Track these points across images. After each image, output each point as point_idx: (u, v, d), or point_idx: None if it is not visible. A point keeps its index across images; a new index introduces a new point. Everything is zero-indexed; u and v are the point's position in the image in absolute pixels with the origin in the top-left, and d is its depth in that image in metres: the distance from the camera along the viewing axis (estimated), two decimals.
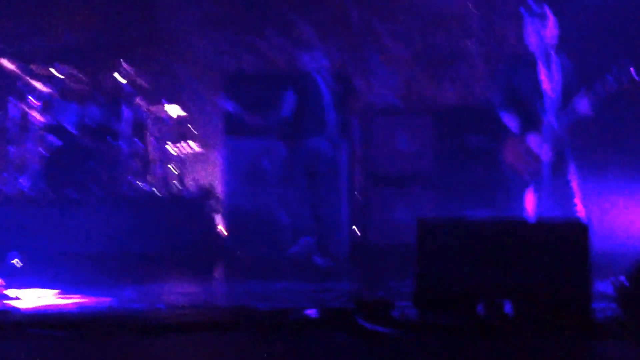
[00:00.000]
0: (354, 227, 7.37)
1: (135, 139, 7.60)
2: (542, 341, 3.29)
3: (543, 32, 5.01)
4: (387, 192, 7.22)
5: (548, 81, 5.06)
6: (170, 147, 7.83)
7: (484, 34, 9.17)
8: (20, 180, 7.33)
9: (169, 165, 7.79)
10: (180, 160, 7.79)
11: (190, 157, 7.91)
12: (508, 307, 3.53)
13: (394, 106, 9.30)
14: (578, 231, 3.72)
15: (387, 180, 7.23)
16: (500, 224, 3.91)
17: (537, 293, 3.57)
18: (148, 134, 7.73)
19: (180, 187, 7.65)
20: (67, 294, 4.54)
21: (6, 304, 4.19)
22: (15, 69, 7.55)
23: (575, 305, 3.54)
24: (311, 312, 3.78)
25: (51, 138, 7.46)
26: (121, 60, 7.71)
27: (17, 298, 4.36)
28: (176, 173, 7.74)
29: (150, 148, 7.76)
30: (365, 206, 7.26)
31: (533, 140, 5.02)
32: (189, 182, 7.83)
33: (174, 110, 7.89)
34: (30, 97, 7.45)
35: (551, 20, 5.03)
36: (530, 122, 5.02)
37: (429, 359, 3.05)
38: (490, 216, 6.46)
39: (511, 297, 3.54)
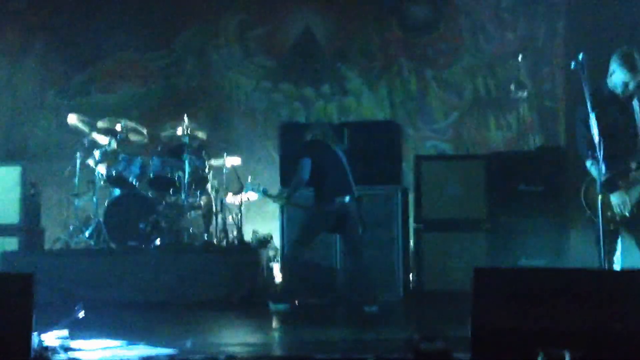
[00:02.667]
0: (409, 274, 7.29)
1: (196, 190, 7.70)
2: None
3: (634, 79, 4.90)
4: (439, 237, 7.11)
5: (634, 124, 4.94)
6: (229, 198, 7.90)
7: (531, 80, 9.11)
8: (85, 232, 7.47)
9: (228, 215, 7.85)
10: (239, 210, 7.83)
11: (249, 207, 7.95)
12: (567, 357, 3.42)
13: (445, 151, 9.28)
14: (635, 281, 3.60)
15: (438, 225, 7.12)
16: (559, 273, 3.80)
17: (596, 343, 3.45)
18: (208, 185, 7.81)
19: (239, 236, 7.68)
20: (129, 345, 4.56)
21: (70, 354, 4.22)
22: (80, 125, 7.77)
23: (626, 356, 3.41)
24: None
25: (114, 190, 7.61)
26: (183, 114, 7.84)
27: (81, 349, 4.39)
28: (235, 223, 7.78)
29: (210, 199, 7.84)
30: (418, 252, 7.15)
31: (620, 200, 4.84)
32: (247, 232, 7.87)
33: (232, 161, 7.96)
34: (95, 151, 7.64)
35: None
36: (618, 167, 4.81)
37: None
38: (548, 266, 6.33)
39: (570, 347, 3.42)
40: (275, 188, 7.14)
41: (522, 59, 8.59)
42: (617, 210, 4.87)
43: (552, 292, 3.58)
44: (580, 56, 4.53)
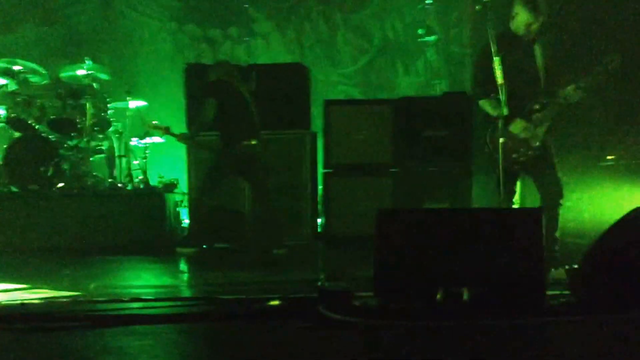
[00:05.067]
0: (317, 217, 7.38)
1: (99, 134, 7.52)
2: (497, 327, 3.33)
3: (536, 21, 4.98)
4: (347, 182, 7.18)
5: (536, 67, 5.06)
6: (134, 141, 7.76)
7: (439, 25, 9.23)
8: None
9: (133, 160, 7.71)
10: (144, 154, 7.70)
11: (154, 151, 7.83)
12: (465, 295, 3.56)
13: (353, 96, 9.34)
14: (532, 219, 3.75)
15: (346, 169, 7.19)
16: (458, 213, 3.93)
17: (493, 281, 3.61)
18: (111, 128, 7.64)
19: (144, 180, 7.57)
20: (33, 289, 4.47)
21: None
22: None
23: (530, 291, 3.60)
24: (274, 302, 3.78)
25: (14, 133, 7.34)
26: (84, 55, 7.59)
27: None
28: (140, 167, 7.66)
29: (114, 142, 7.68)
30: (326, 196, 7.22)
31: (521, 129, 4.93)
32: (153, 176, 7.75)
33: (137, 104, 7.80)
34: None
35: None
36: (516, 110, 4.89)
37: (389, 347, 3.07)
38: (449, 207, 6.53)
39: (469, 284, 3.57)
40: (182, 131, 7.03)
41: (430, 3, 8.65)
42: (524, 134, 4.94)
43: (452, 232, 3.71)
44: None
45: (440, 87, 8.91)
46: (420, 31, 8.50)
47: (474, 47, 8.87)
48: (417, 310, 3.58)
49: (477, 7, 4.69)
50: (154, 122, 6.72)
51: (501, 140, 4.69)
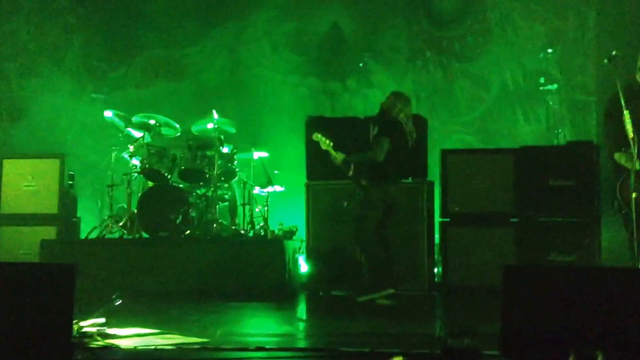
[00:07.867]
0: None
1: (224, 183, 7.70)
2: None
3: None
4: (465, 231, 6.96)
5: None
6: (257, 190, 7.89)
7: (561, 74, 8.95)
8: (119, 222, 7.50)
9: (255, 207, 7.84)
10: (265, 202, 7.81)
11: (275, 199, 7.93)
12: (600, 358, 3.31)
13: (471, 145, 9.14)
14: None
15: (465, 219, 6.98)
16: (589, 271, 3.69)
17: (629, 343, 3.34)
18: (236, 177, 7.81)
19: (265, 228, 7.66)
20: (165, 334, 4.54)
21: (107, 341, 4.22)
22: (116, 120, 7.80)
23: None
24: (398, 358, 3.65)
25: (147, 182, 7.63)
26: (213, 108, 7.83)
27: (117, 336, 4.39)
28: (262, 214, 7.77)
29: (236, 191, 7.84)
30: (444, 246, 7.02)
31: None
32: (273, 224, 7.85)
33: (260, 155, 7.95)
34: (129, 144, 7.67)
35: None
36: None
37: None
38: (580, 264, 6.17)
39: (603, 348, 3.32)
40: (301, 181, 7.12)
41: (552, 51, 8.41)
42: None
43: (584, 291, 3.47)
44: (614, 52, 4.42)
45: (564, 136, 8.58)
46: (541, 80, 8.24)
47: (599, 94, 8.52)
48: None
49: (605, 60, 4.48)
50: (319, 134, 6.32)
51: (634, 195, 4.40)
